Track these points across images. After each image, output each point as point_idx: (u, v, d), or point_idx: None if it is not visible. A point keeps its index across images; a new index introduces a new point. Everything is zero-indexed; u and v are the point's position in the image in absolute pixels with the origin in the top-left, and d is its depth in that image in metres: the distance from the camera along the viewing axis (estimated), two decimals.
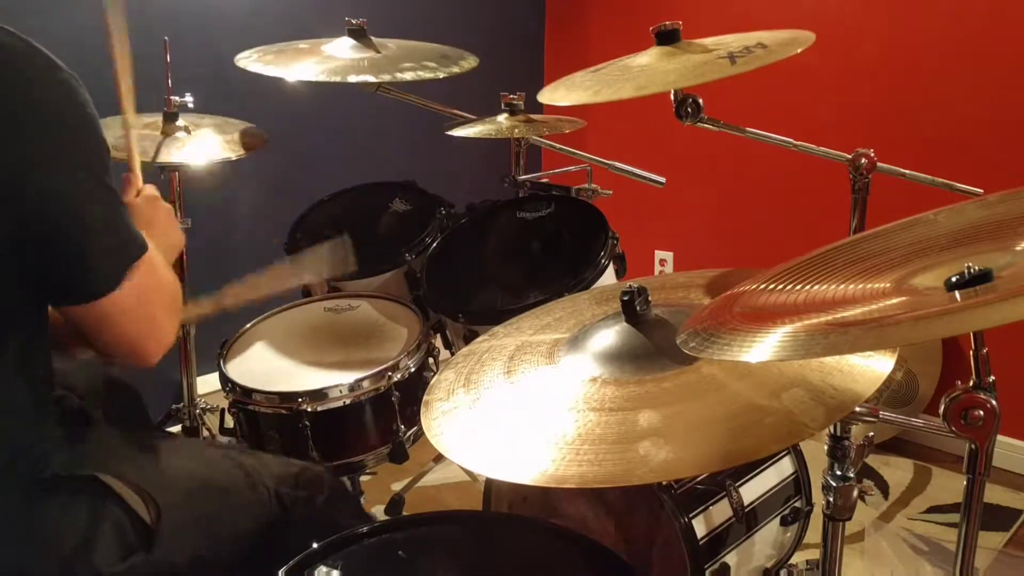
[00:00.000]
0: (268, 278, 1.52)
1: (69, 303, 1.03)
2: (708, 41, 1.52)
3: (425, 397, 1.13)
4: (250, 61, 1.92)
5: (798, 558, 1.54)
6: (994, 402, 0.83)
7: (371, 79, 1.85)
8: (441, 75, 1.88)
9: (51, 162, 0.97)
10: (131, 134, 1.38)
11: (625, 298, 1.10)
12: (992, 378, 0.84)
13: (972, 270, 0.76)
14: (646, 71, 1.45)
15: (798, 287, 0.90)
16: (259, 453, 1.35)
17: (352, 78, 1.84)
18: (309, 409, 1.63)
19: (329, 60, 1.94)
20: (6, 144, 0.94)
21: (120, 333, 1.06)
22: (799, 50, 1.40)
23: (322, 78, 1.86)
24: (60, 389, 1.17)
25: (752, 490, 1.44)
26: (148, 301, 1.07)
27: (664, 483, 1.33)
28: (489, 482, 1.48)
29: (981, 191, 1.35)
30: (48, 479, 1.05)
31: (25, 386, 1.05)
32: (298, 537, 1.20)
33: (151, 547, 1.08)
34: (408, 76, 1.85)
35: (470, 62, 1.99)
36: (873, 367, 0.92)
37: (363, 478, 1.94)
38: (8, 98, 0.94)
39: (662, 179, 1.95)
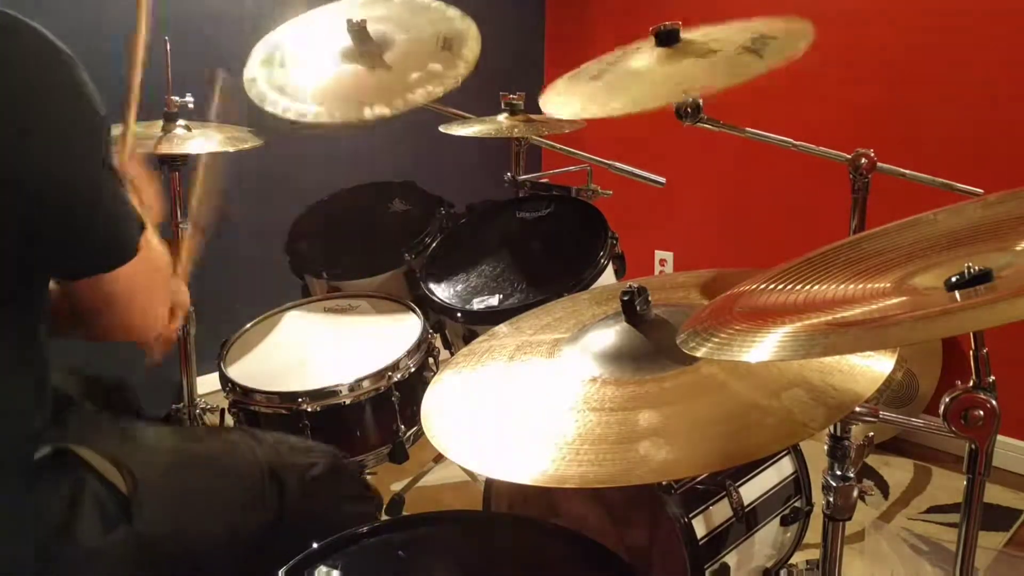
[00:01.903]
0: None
1: (83, 275, 1.04)
2: (708, 40, 1.52)
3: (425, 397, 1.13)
4: (263, 87, 1.90)
5: (798, 558, 1.54)
6: (994, 402, 0.83)
7: (386, 112, 1.82)
8: (450, 83, 1.85)
9: (54, 142, 0.98)
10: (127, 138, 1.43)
11: (625, 298, 1.10)
12: (992, 378, 0.84)
13: (972, 270, 0.76)
14: (676, 74, 1.45)
15: (798, 287, 0.90)
16: (251, 429, 1.35)
17: (368, 113, 1.82)
18: (309, 409, 1.63)
19: (335, 82, 1.91)
20: (7, 127, 0.95)
21: (123, 306, 1.08)
22: (810, 37, 1.40)
23: (337, 118, 1.83)
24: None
25: (752, 490, 1.44)
26: (150, 274, 1.10)
27: (664, 483, 1.33)
28: (489, 482, 1.48)
29: (981, 191, 1.35)
30: (34, 460, 1.05)
31: (24, 374, 1.06)
32: (296, 509, 1.20)
33: (131, 519, 1.07)
34: (419, 97, 1.82)
35: (472, 48, 1.96)
36: (873, 367, 0.92)
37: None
38: (7, 81, 0.95)
39: (662, 179, 1.95)
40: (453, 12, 1.99)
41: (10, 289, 1.01)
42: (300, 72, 1.94)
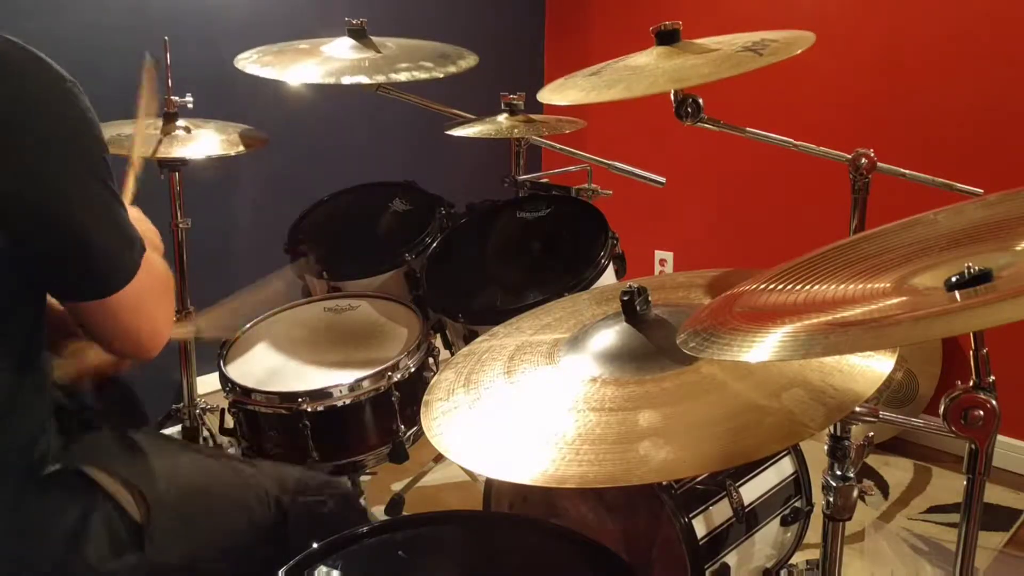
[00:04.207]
0: (220, 313, 1.61)
1: (82, 300, 1.06)
2: (709, 41, 1.52)
3: (425, 397, 1.13)
4: (248, 62, 1.92)
5: (798, 558, 1.54)
6: (994, 402, 0.83)
7: (365, 80, 1.84)
8: (438, 75, 1.87)
9: (58, 170, 0.99)
10: (135, 159, 1.46)
11: (625, 298, 1.10)
12: (992, 378, 0.84)
13: (972, 270, 0.76)
14: (675, 67, 1.45)
15: (798, 287, 0.90)
16: (259, 461, 1.36)
17: (346, 79, 1.84)
18: (309, 409, 1.63)
19: (326, 61, 1.94)
20: (13, 155, 0.96)
21: (126, 327, 1.09)
22: (812, 41, 1.40)
23: (316, 80, 1.86)
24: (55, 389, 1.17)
25: (752, 490, 1.44)
26: (149, 295, 1.10)
27: (664, 483, 1.33)
28: (489, 482, 1.48)
29: (981, 191, 1.35)
30: (42, 476, 1.06)
31: (28, 384, 1.06)
32: (298, 541, 1.20)
33: (143, 546, 1.08)
34: (403, 77, 1.84)
35: (468, 61, 1.98)
36: (873, 367, 0.92)
37: (363, 478, 1.94)
38: (14, 109, 0.96)
39: (662, 179, 1.95)
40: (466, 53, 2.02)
41: (9, 306, 1.02)
42: (295, 54, 1.96)
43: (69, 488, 1.07)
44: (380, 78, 1.85)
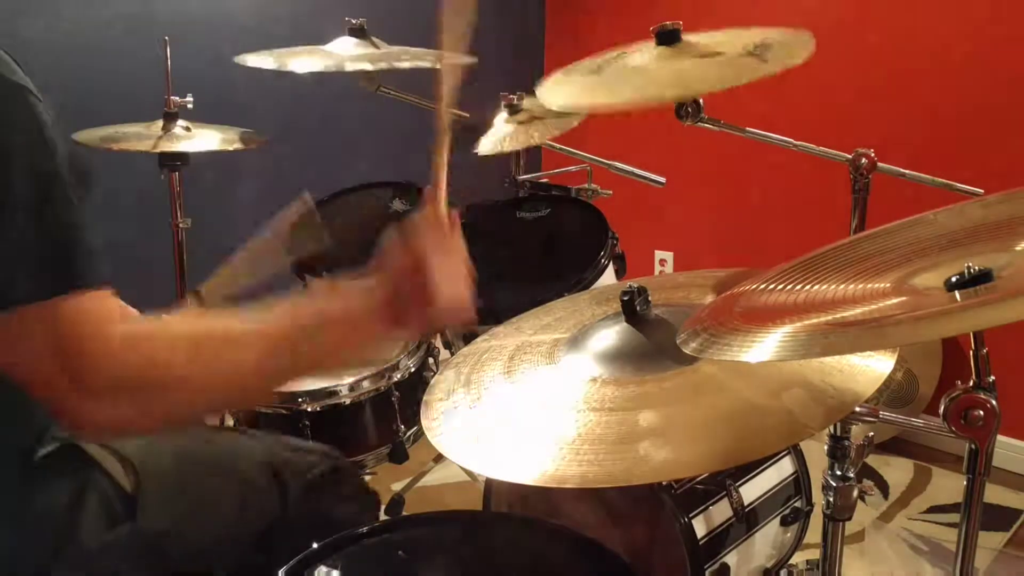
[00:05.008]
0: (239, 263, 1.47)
1: None
2: (709, 41, 1.52)
3: (425, 397, 1.13)
4: (249, 55, 1.92)
5: (798, 558, 1.54)
6: (994, 402, 0.83)
7: (368, 67, 1.84)
8: (432, 60, 1.87)
9: None
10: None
11: (625, 298, 1.10)
12: (992, 378, 0.84)
13: (972, 270, 0.76)
14: (676, 72, 1.45)
15: (798, 287, 0.90)
16: (251, 430, 1.34)
17: (349, 66, 1.84)
18: (309, 409, 1.63)
19: (328, 57, 1.94)
20: None
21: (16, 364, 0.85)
22: (812, 46, 1.40)
23: (318, 68, 1.85)
24: None
25: (752, 490, 1.44)
26: (70, 345, 0.83)
27: (664, 483, 1.33)
28: (489, 482, 1.48)
29: (981, 191, 1.35)
30: (40, 458, 1.05)
31: None
32: (296, 508, 1.20)
33: (135, 516, 1.07)
34: (406, 64, 1.84)
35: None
36: (873, 367, 0.92)
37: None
38: None
39: (662, 179, 1.95)
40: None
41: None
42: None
43: (66, 466, 1.06)
44: (383, 65, 1.85)
